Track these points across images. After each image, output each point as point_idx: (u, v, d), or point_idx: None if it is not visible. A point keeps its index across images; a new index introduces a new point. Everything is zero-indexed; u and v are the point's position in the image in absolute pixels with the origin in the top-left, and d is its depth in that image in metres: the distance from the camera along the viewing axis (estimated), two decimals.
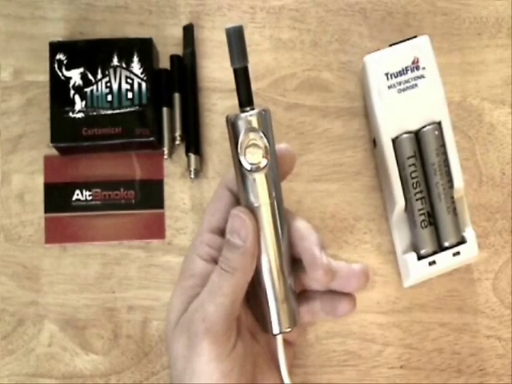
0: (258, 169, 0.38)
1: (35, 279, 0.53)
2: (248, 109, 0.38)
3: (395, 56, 0.52)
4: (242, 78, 0.38)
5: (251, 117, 0.38)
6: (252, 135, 0.38)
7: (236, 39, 0.37)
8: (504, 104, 0.56)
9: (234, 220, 0.39)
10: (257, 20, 0.57)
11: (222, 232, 0.41)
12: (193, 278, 0.40)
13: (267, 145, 0.38)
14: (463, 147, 0.55)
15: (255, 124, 0.38)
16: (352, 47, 0.56)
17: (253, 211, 0.38)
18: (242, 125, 0.38)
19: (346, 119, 0.55)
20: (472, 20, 0.57)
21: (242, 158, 0.38)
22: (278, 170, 0.39)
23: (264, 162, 0.38)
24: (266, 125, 0.38)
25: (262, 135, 0.38)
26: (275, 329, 0.40)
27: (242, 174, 0.38)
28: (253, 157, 0.38)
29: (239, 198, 0.40)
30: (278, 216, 0.39)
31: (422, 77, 0.51)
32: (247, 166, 0.38)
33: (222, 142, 0.55)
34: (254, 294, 0.41)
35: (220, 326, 0.38)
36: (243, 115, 0.38)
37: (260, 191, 0.38)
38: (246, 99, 0.38)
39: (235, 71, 0.38)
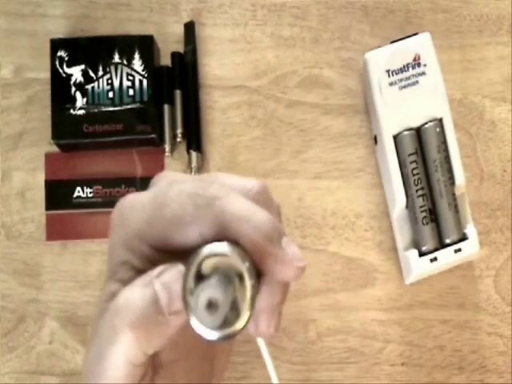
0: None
1: (36, 276, 0.53)
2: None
3: (396, 53, 0.52)
4: None
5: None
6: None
7: None
8: (505, 101, 0.56)
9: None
10: (258, 17, 0.57)
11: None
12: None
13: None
14: (464, 144, 0.55)
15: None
16: (353, 44, 0.56)
17: None
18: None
19: (347, 116, 0.55)
20: (473, 17, 0.57)
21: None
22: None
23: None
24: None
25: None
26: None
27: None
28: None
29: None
30: None
31: (423, 74, 0.51)
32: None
33: (223, 139, 0.55)
34: None
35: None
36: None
37: None
38: None
39: None
